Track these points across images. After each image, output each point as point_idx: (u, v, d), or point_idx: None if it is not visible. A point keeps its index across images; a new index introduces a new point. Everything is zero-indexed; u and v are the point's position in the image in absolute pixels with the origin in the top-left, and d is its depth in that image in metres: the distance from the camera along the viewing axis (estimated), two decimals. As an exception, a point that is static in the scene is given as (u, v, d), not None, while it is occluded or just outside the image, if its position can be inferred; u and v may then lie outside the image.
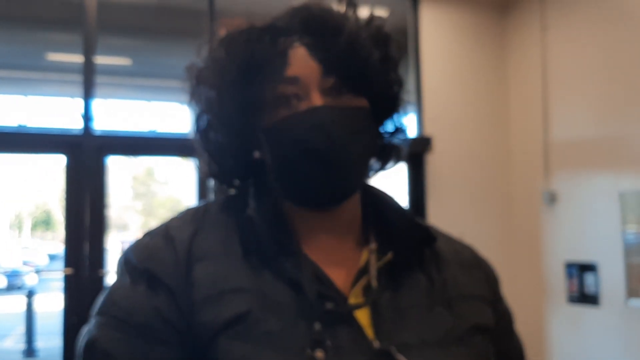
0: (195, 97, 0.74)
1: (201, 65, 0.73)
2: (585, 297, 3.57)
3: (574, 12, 3.72)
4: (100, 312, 0.67)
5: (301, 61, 0.70)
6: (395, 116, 0.78)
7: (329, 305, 0.66)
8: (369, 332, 0.68)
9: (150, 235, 0.72)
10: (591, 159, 3.59)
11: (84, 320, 0.69)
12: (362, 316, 0.68)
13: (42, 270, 12.07)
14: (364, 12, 0.74)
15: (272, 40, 0.70)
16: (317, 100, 0.69)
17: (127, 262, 0.70)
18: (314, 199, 0.72)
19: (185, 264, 0.67)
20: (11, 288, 10.59)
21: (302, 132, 0.68)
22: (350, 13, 0.73)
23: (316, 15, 0.71)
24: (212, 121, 0.73)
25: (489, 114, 4.14)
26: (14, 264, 11.51)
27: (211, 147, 0.75)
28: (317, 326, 0.64)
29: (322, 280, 0.69)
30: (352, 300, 0.70)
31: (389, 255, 0.73)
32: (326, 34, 0.70)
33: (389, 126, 0.79)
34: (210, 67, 0.72)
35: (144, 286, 0.67)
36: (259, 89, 0.69)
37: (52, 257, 13.55)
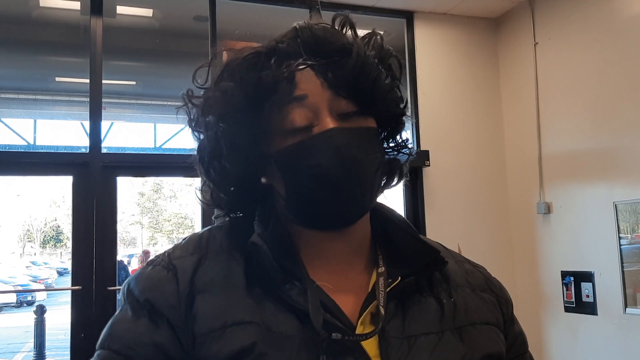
0: (199, 126, 0.72)
1: (207, 94, 0.71)
2: (583, 306, 3.58)
3: (565, 28, 3.78)
4: (102, 346, 0.66)
5: (309, 83, 0.68)
6: (399, 133, 0.77)
7: (336, 336, 0.63)
8: None
9: (152, 264, 0.70)
10: (585, 170, 3.61)
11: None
12: (371, 345, 0.65)
13: (51, 286, 12.14)
14: (360, 33, 0.74)
15: (278, 64, 0.68)
16: (329, 123, 0.67)
17: (129, 293, 0.68)
18: (328, 220, 0.69)
19: (187, 296, 0.65)
20: (21, 304, 10.69)
21: (316, 156, 0.66)
22: (350, 32, 0.72)
23: (320, 36, 0.69)
24: (218, 150, 0.70)
25: (483, 127, 4.21)
26: (24, 280, 11.57)
27: (217, 176, 0.72)
28: (323, 358, 0.62)
29: (330, 307, 0.66)
30: (360, 328, 0.67)
31: (397, 280, 0.70)
32: (334, 55, 0.68)
33: (392, 143, 0.77)
34: (216, 96, 0.70)
35: (145, 319, 0.65)
36: (267, 114, 0.68)
37: (61, 273, 13.65)
